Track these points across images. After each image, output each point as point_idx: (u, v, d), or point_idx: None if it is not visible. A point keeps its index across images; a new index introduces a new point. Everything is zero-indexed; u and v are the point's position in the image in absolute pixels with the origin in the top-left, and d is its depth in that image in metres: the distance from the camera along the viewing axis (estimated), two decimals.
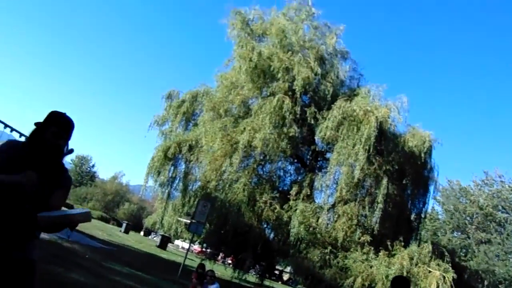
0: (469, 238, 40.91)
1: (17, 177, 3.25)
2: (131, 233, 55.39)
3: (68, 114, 3.61)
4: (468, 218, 41.92)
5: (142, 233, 65.93)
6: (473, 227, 41.13)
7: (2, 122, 19.52)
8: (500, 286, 35.30)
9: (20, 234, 3.42)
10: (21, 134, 18.96)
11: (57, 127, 3.55)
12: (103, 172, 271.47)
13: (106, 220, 69.60)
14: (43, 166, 3.46)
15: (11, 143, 3.69)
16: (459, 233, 42.21)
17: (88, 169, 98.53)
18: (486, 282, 33.66)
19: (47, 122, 3.60)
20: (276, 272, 54.07)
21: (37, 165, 3.42)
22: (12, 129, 25.75)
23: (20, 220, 3.38)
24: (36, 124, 3.62)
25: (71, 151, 3.76)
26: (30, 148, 3.53)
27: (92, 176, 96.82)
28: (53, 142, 3.53)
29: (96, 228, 36.07)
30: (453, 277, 20.92)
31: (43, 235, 3.74)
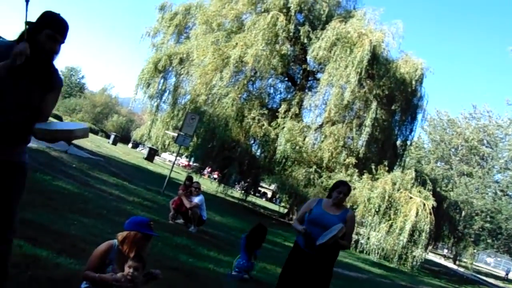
0: (452, 169, 41.53)
1: (7, 61, 3.12)
2: (119, 145, 55.28)
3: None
4: (453, 150, 42.43)
5: (130, 145, 65.93)
6: (457, 158, 41.69)
7: None
8: (476, 217, 36.18)
9: (9, 138, 3.32)
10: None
11: (51, 30, 3.32)
12: (93, 84, 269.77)
13: (95, 132, 69.18)
14: (35, 70, 3.30)
15: (3, 42, 3.43)
16: (443, 164, 42.80)
17: (78, 80, 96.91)
18: (463, 213, 34.35)
19: (41, 23, 3.34)
20: (261, 189, 54.92)
21: (30, 68, 3.25)
22: None
23: (9, 124, 3.25)
24: (27, 23, 3.31)
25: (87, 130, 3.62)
26: None
27: (81, 88, 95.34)
28: (47, 45, 3.33)
29: (84, 139, 36.03)
30: (433, 205, 21.33)
31: (31, 144, 3.64)
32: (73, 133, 3.48)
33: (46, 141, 3.57)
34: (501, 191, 39.40)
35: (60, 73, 3.71)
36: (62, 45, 3.45)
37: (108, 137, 63.20)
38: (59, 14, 3.45)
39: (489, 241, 42.95)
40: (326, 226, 5.12)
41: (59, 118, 59.99)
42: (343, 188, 5.41)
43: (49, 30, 3.31)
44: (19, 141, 3.41)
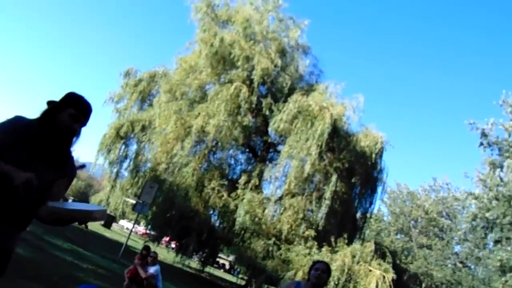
0: (411, 241, 41.67)
1: (24, 175, 2.90)
2: None
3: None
4: (412, 222, 42.70)
5: None
6: (417, 231, 41.93)
7: None
8: None
9: (18, 222, 3.17)
10: None
11: (75, 109, 3.22)
12: None
13: None
14: (52, 151, 3.16)
15: (20, 120, 3.22)
16: (403, 236, 42.94)
17: None
18: (424, 285, 34.37)
19: (64, 102, 3.25)
20: (219, 260, 54.19)
21: (47, 149, 3.12)
22: None
23: (21, 206, 3.07)
24: (49, 103, 3.27)
25: (83, 166, 3.48)
26: (42, 129, 3.17)
27: None
28: (69, 125, 3.20)
29: None
30: (392, 277, 21.28)
31: None
32: (92, 214, 3.27)
33: (57, 224, 3.27)
34: (461, 262, 39.57)
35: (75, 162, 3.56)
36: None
37: (66, 200, 62.25)
38: (83, 96, 3.36)
39: None
40: None
41: None
42: (320, 265, 5.22)
43: (72, 110, 3.21)
44: (23, 226, 3.26)
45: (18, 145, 3.02)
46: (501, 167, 22.54)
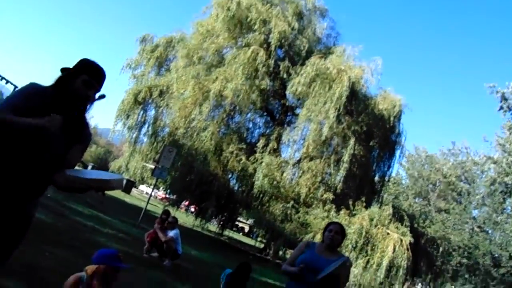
0: (429, 205, 41.68)
1: (42, 120, 2.94)
2: None
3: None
4: (430, 186, 42.67)
5: None
6: (435, 194, 41.91)
7: None
8: (453, 253, 36.15)
9: (36, 187, 3.20)
10: (15, 86, 18.13)
11: (88, 76, 3.23)
12: None
13: None
14: (68, 117, 3.13)
15: (36, 88, 3.22)
16: (421, 200, 42.91)
17: None
18: (441, 249, 34.38)
19: (77, 69, 3.26)
20: (238, 223, 54.58)
21: (63, 115, 3.07)
22: (7, 81, 25.24)
23: (40, 172, 3.10)
24: (63, 70, 3.28)
25: (103, 96, 3.45)
26: (57, 96, 3.19)
27: None
28: (83, 91, 3.21)
29: None
30: (410, 241, 21.27)
31: None
32: (109, 183, 3.25)
33: (74, 191, 3.31)
34: (478, 227, 39.54)
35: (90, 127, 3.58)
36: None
37: (85, 167, 62.66)
38: (96, 62, 3.36)
39: (466, 276, 42.95)
40: (320, 271, 4.74)
41: None
42: (334, 226, 5.13)
43: (86, 76, 3.22)
44: (41, 191, 3.28)
45: (33, 111, 2.99)
46: None
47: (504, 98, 22.30)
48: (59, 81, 3.23)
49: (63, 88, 3.19)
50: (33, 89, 3.18)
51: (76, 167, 3.52)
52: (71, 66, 3.29)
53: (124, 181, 2.85)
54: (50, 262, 7.01)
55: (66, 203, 15.59)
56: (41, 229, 9.43)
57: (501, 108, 22.56)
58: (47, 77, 3.26)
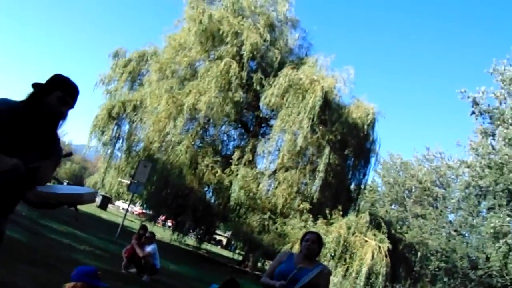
0: (406, 211, 41.92)
1: (6, 161, 2.83)
2: None
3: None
4: (406, 192, 42.91)
5: None
6: (411, 200, 42.14)
7: None
8: (431, 257, 36.42)
9: (8, 204, 3.11)
10: None
11: (62, 92, 3.16)
12: None
13: None
14: (39, 134, 3.10)
15: (8, 103, 3.11)
16: (397, 206, 43.13)
17: None
18: (419, 254, 34.64)
19: (51, 85, 3.18)
20: (216, 236, 54.45)
21: (35, 132, 3.06)
22: None
23: (11, 188, 2.99)
24: (35, 85, 3.20)
25: (70, 153, 3.39)
26: (30, 113, 3.09)
27: None
28: (58, 108, 3.14)
29: None
30: (388, 247, 21.37)
31: None
32: (81, 197, 3.21)
33: (46, 207, 3.26)
34: (455, 230, 39.82)
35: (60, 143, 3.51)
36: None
37: (60, 184, 62.22)
38: (69, 78, 3.30)
39: (445, 280, 43.26)
40: (297, 282, 4.77)
41: None
42: (310, 235, 5.15)
43: (60, 92, 3.15)
44: (12, 208, 3.21)
45: (4, 128, 2.94)
46: (493, 135, 22.66)
47: (475, 103, 22.61)
48: (32, 97, 3.15)
49: (36, 105, 3.11)
50: (5, 104, 3.08)
51: (49, 184, 3.46)
52: (43, 82, 3.23)
53: (97, 195, 2.83)
54: (25, 281, 6.93)
55: (41, 221, 15.46)
56: (16, 248, 9.33)
57: (473, 113, 22.87)
58: (15, 91, 3.18)
